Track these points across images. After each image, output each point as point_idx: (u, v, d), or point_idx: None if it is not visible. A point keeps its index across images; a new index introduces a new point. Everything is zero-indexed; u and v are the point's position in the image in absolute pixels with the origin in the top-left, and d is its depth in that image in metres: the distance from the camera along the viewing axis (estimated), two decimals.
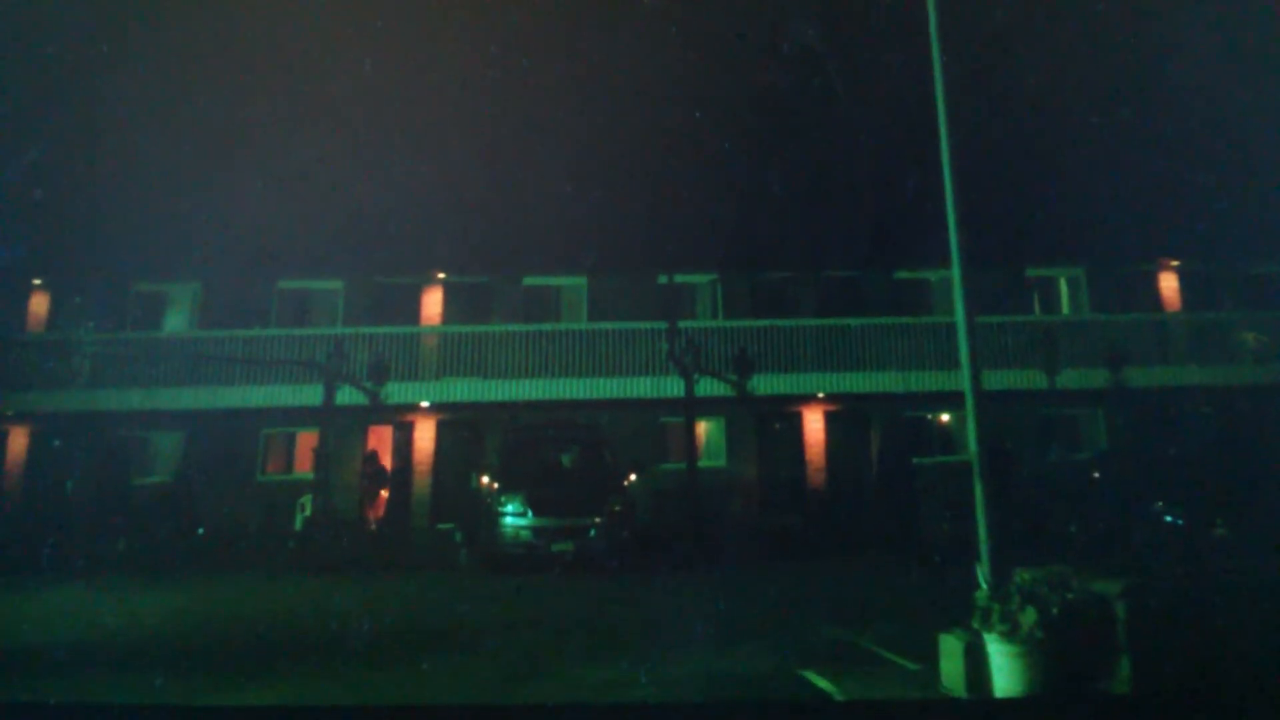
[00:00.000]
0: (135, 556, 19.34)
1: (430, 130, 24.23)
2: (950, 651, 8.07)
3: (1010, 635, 7.48)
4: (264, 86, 24.30)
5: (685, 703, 7.94)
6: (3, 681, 8.86)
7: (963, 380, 9.22)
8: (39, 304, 25.48)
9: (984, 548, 8.41)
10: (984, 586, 8.13)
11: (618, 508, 17.21)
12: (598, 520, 16.87)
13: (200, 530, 22.18)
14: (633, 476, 19.11)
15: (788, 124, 25.36)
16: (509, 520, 16.71)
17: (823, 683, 8.35)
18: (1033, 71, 24.54)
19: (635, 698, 8.01)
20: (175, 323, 25.85)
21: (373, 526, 22.82)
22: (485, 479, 18.46)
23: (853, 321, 24.38)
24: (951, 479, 23.60)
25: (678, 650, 10.04)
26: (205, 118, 23.92)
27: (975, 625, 7.82)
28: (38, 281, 25.41)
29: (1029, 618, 7.42)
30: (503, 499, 16.95)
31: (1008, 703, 7.41)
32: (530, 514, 16.70)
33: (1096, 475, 22.17)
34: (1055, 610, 7.44)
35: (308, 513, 22.09)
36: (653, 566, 17.39)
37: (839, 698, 7.88)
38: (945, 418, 25.92)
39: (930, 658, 8.51)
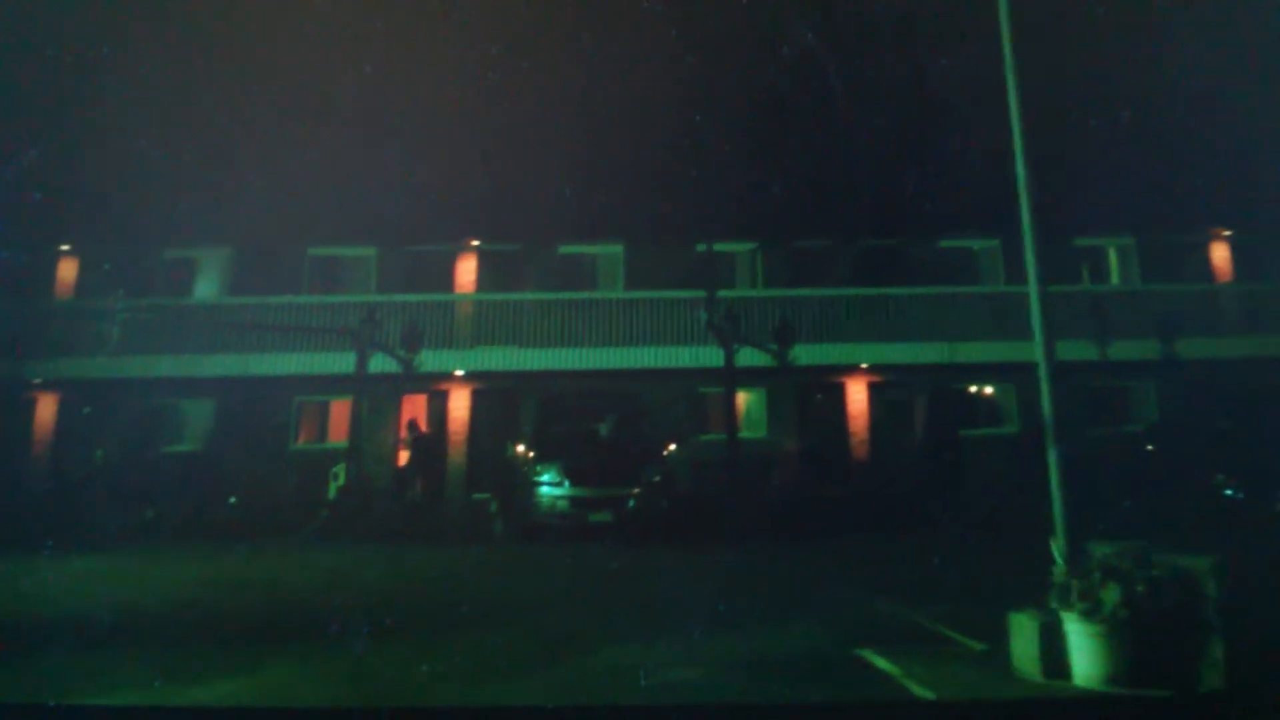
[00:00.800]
0: (165, 526, 19.05)
1: (464, 95, 23.65)
2: (1023, 631, 7.52)
3: (1091, 614, 6.95)
4: (296, 51, 23.78)
5: (726, 703, 7.42)
6: (14, 656, 8.45)
7: (1035, 349, 8.69)
8: (67, 270, 25.27)
9: (1060, 520, 7.89)
10: (1060, 562, 7.60)
11: (657, 478, 16.70)
12: (636, 491, 16.34)
13: (232, 500, 21.91)
14: (672, 446, 18.59)
15: (829, 89, 24.66)
16: (545, 490, 16.22)
17: (883, 663, 7.82)
18: (1083, 37, 23.80)
19: (674, 680, 7.50)
20: (205, 289, 25.59)
21: (421, 496, 22.53)
22: (520, 448, 17.99)
23: (896, 291, 23.89)
24: (997, 452, 23.11)
25: (723, 627, 9.47)
26: (236, 82, 23.43)
27: (1052, 604, 7.28)
28: (65, 247, 25.19)
29: (1112, 595, 6.89)
30: (539, 468, 16.46)
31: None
32: (567, 484, 16.21)
33: (1151, 448, 21.55)
34: (1140, 588, 6.90)
35: (341, 482, 21.62)
36: (693, 539, 16.87)
37: (915, 689, 7.22)
38: (990, 390, 25.27)
39: (995, 637, 7.98)
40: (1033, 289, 8.82)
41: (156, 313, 22.70)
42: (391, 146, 23.07)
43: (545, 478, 16.29)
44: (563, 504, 16.11)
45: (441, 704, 6.74)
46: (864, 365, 23.87)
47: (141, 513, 19.65)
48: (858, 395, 24.71)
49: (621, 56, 23.85)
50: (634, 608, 11.00)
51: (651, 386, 22.88)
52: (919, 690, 7.10)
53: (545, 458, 16.59)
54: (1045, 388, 8.47)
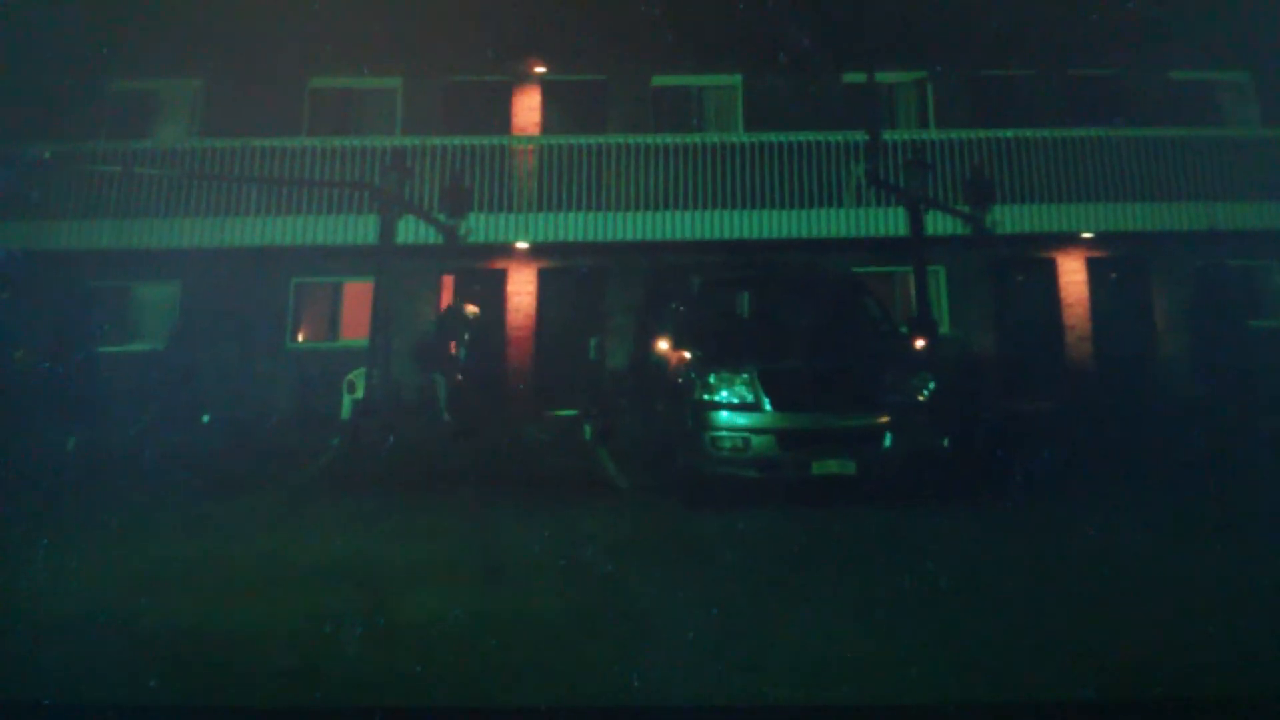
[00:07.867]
0: (96, 460, 12.64)
1: None
2: None
3: None
4: None
5: None
6: None
7: None
8: None
9: None
10: None
11: (923, 396, 9.42)
12: (886, 420, 9.20)
13: (206, 418, 16.02)
14: (920, 343, 11.54)
15: None
16: (725, 419, 8.78)
17: None
18: None
19: None
20: (169, 134, 19.30)
21: (470, 412, 16.59)
22: (665, 344, 10.84)
23: (1136, 133, 17.71)
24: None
25: None
26: None
27: None
28: None
29: None
30: (712, 381, 9.01)
31: None
32: (769, 406, 8.89)
33: None
34: None
35: (359, 395, 15.84)
36: (929, 494, 9.48)
37: None
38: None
39: None
40: None
41: (96, 162, 17.32)
42: None
43: (723, 396, 9.01)
44: (763, 443, 8.79)
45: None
46: (1087, 234, 17.53)
47: (60, 442, 13.34)
48: (1074, 275, 18.35)
49: None
50: None
51: (786, 262, 17.41)
52: None
53: (723, 362, 9.28)
54: None
